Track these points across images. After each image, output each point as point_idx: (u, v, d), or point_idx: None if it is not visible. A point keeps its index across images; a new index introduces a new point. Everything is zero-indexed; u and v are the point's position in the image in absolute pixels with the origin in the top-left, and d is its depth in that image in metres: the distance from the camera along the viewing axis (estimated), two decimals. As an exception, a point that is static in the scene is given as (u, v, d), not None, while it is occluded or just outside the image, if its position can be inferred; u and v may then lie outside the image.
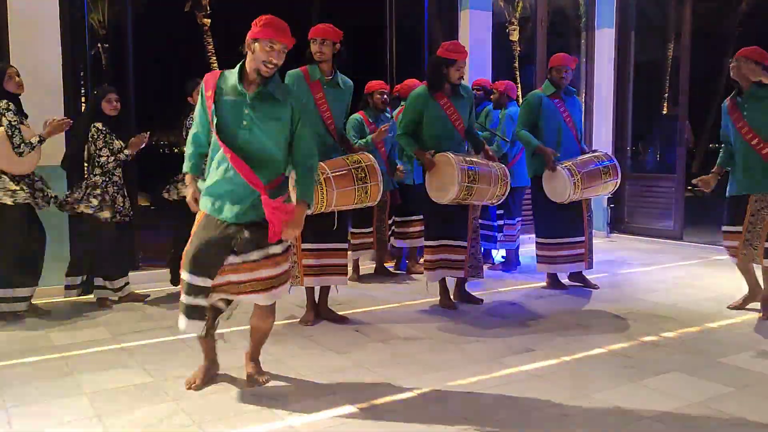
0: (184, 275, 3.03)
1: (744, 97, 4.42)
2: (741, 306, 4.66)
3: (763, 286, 4.52)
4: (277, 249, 3.07)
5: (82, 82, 5.82)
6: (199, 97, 3.12)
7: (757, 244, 4.39)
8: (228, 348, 3.88)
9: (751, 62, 4.28)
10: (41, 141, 4.41)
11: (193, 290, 3.02)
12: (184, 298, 3.06)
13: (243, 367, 3.49)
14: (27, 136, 4.38)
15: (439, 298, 4.84)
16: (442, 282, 4.81)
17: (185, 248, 3.05)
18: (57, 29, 5.20)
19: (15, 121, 4.33)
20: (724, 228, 4.62)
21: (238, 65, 3.09)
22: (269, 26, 2.99)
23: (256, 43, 2.99)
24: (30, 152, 4.38)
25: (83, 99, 5.88)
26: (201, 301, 3.04)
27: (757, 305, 4.58)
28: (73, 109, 5.47)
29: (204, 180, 3.13)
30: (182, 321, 3.07)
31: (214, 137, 3.02)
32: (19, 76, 4.46)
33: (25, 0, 5.06)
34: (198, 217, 3.12)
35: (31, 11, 5.07)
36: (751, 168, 4.40)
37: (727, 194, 4.59)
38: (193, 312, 3.05)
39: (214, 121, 2.99)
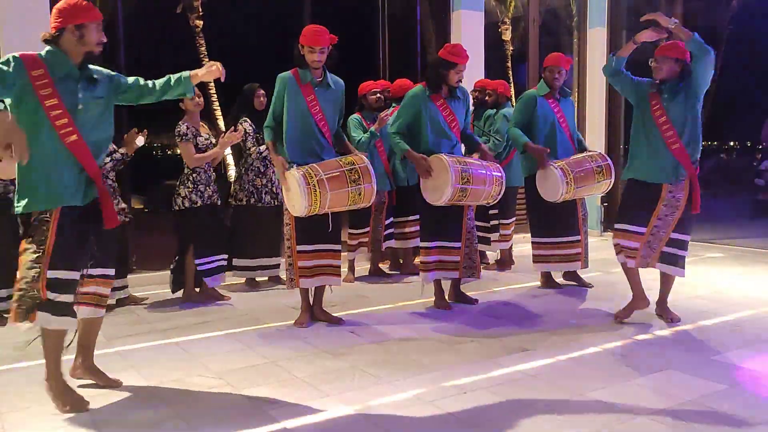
0: None
1: (666, 87, 4.19)
2: (627, 315, 4.40)
3: (659, 292, 4.44)
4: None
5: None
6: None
7: (656, 247, 4.21)
8: (223, 352, 3.88)
9: (670, 60, 4.15)
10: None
11: None
12: None
13: (237, 371, 3.49)
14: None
15: (434, 298, 4.85)
16: (438, 283, 4.82)
17: None
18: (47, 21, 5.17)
19: None
20: (623, 226, 4.33)
21: None
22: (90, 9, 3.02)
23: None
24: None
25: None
26: None
27: (644, 311, 4.44)
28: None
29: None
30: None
31: None
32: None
33: (15, 2, 5.03)
34: None
35: (22, 13, 5.04)
36: (661, 157, 4.17)
37: (628, 177, 4.36)
38: None
39: None
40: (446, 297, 4.89)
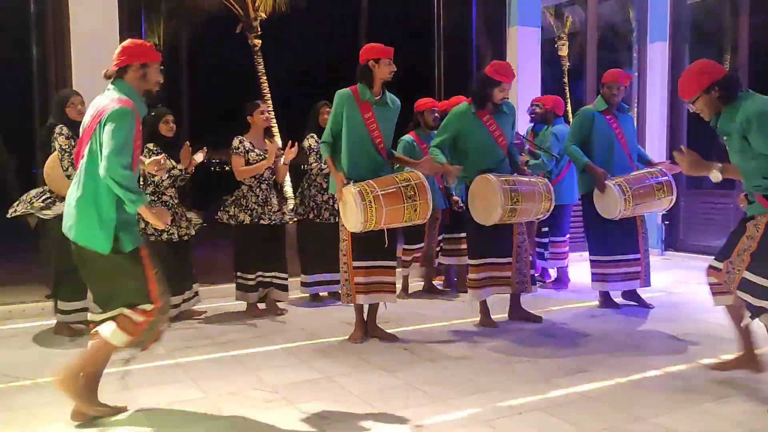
0: None
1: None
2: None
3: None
4: None
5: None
6: None
7: None
8: (279, 366, 3.93)
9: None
10: None
11: None
12: None
13: (292, 385, 3.52)
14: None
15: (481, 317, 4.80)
16: (483, 301, 4.77)
17: None
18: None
19: (66, 144, 4.44)
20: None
21: None
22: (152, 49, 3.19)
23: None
24: None
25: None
26: None
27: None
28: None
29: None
30: None
31: None
32: (82, 104, 4.55)
33: (86, 24, 5.27)
34: None
35: (93, 35, 5.27)
36: None
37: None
38: None
39: None
40: (509, 315, 4.88)
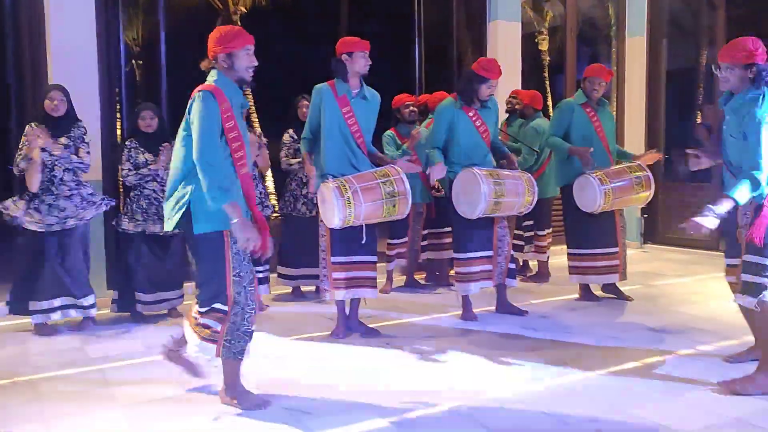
0: None
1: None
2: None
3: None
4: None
5: (117, 98, 5.96)
6: None
7: None
8: (262, 361, 3.91)
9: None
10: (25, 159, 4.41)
11: None
12: None
13: (276, 380, 3.51)
14: (56, 153, 4.46)
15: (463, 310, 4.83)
16: (466, 295, 4.79)
17: None
18: (94, 48, 5.33)
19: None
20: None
21: None
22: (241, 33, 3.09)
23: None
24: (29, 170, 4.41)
25: (118, 115, 6.01)
26: None
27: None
28: (109, 125, 5.60)
29: None
30: None
31: None
32: (51, 100, 4.49)
33: (64, 20, 5.19)
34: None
35: (70, 31, 5.20)
36: None
37: None
38: None
39: None
40: (496, 307, 4.92)
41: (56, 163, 4.48)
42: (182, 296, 5.06)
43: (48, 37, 5.20)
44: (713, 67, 3.46)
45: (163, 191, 4.91)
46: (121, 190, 5.91)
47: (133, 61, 8.73)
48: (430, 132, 4.81)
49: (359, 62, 4.18)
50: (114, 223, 4.91)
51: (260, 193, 5.09)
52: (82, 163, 4.55)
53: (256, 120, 10.50)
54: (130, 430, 2.93)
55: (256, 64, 3.10)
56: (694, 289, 5.78)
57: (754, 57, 3.26)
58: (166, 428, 2.95)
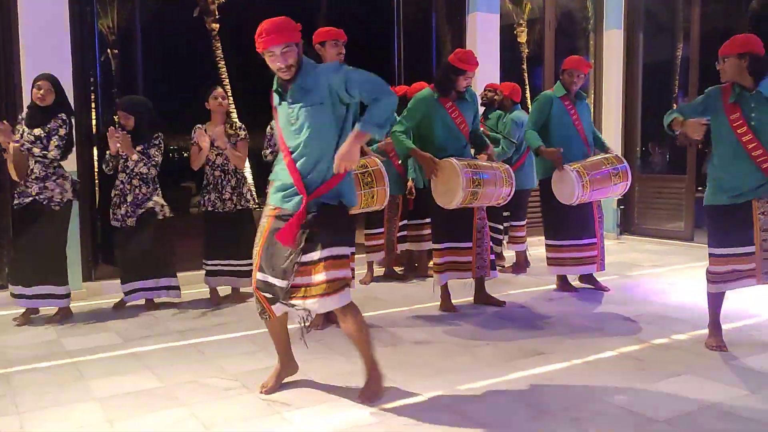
0: None
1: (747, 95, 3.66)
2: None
3: None
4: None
5: (92, 89, 5.86)
6: None
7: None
8: (240, 353, 3.90)
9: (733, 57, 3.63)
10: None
11: None
12: None
13: (253, 373, 3.50)
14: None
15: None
16: (444, 286, 4.81)
17: None
18: (67, 36, 5.24)
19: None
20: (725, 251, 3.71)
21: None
22: (260, 36, 2.93)
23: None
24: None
25: (93, 105, 5.92)
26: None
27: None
28: (84, 116, 5.51)
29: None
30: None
31: None
32: (39, 89, 4.50)
33: (35, 8, 5.10)
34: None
35: (42, 19, 5.11)
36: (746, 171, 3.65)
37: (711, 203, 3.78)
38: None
39: None
40: (474, 299, 4.95)
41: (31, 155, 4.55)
42: (161, 288, 5.04)
43: (20, 26, 5.11)
44: (716, 62, 3.71)
45: (130, 183, 4.87)
46: (97, 181, 5.82)
47: (109, 50, 8.60)
48: (401, 117, 4.80)
49: (330, 51, 4.15)
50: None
51: (232, 188, 5.06)
52: (44, 156, 4.52)
53: (236, 116, 10.43)
54: (106, 423, 2.90)
55: (279, 65, 2.95)
56: (669, 279, 5.86)
57: (746, 47, 3.55)
58: (142, 421, 2.93)
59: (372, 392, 3.10)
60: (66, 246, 4.74)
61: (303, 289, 2.99)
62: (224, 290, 5.33)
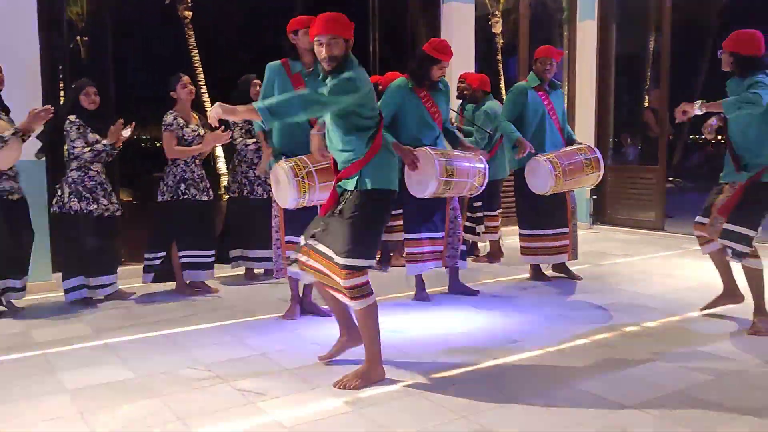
0: None
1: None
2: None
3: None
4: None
5: (61, 76, 5.76)
6: None
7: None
8: (213, 344, 3.87)
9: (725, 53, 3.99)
10: (16, 133, 4.34)
11: None
12: None
13: (227, 363, 3.48)
14: (1, 130, 4.34)
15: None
16: (419, 276, 4.83)
17: None
18: (35, 22, 5.13)
19: None
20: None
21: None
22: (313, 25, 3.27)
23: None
24: (3, 146, 4.31)
25: (62, 93, 5.81)
26: None
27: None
28: (52, 104, 5.39)
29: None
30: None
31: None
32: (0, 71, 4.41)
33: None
34: None
35: (8, 5, 4.99)
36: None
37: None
38: None
39: None
40: (448, 288, 4.97)
41: None
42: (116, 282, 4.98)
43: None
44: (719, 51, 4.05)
45: (106, 171, 4.80)
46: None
47: (78, 38, 8.44)
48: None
49: (303, 40, 4.13)
50: (55, 203, 4.73)
51: (199, 176, 5.01)
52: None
53: (209, 105, 10.33)
54: (77, 415, 2.87)
55: (323, 54, 3.26)
56: (640, 268, 5.95)
57: (737, 47, 3.89)
58: (115, 413, 2.90)
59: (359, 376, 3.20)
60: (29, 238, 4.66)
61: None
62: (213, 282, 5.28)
